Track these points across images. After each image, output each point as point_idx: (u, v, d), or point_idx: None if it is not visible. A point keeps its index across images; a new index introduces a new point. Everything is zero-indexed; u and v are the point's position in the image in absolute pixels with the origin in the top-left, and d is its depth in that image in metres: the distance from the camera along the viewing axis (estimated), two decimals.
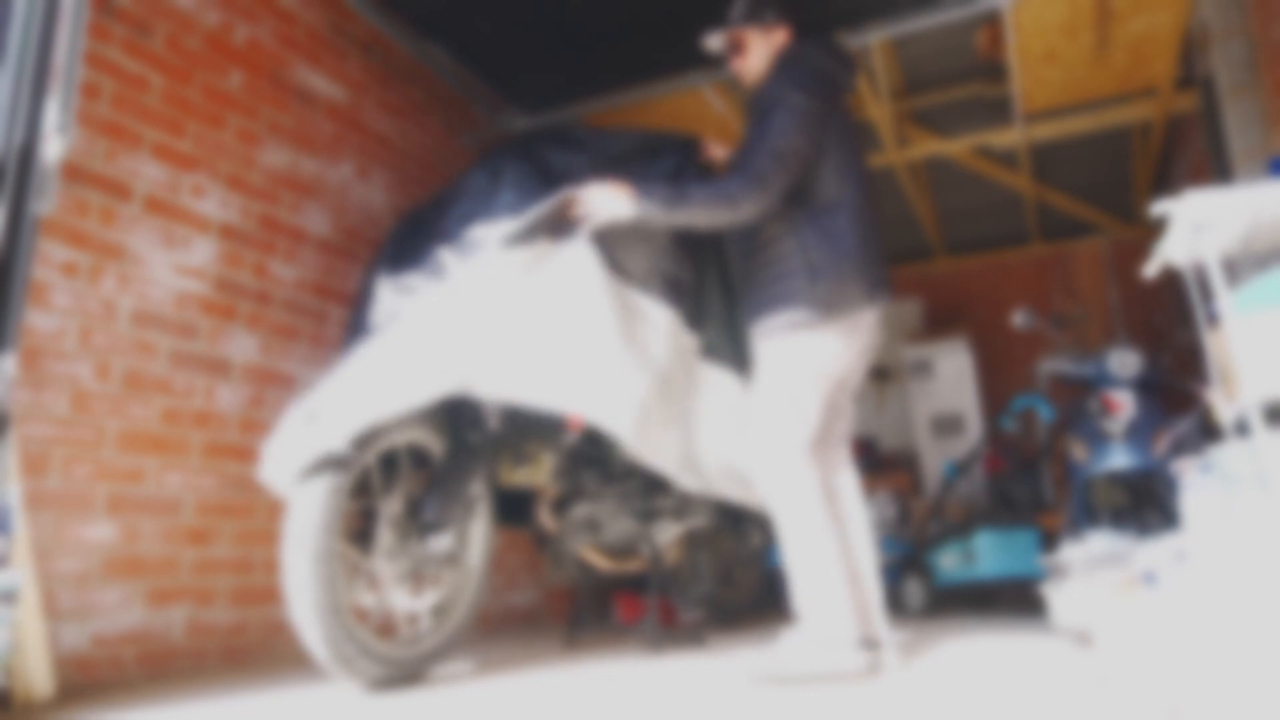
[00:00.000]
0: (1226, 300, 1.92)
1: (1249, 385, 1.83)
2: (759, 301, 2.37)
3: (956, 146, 4.96)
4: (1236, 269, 2.41)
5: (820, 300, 2.26)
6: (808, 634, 2.14)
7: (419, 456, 2.37)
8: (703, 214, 2.25)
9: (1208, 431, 4.09)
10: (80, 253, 2.32)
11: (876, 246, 2.39)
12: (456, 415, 2.27)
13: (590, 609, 4.24)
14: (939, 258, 6.65)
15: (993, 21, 3.90)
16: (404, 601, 2.18)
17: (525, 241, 2.18)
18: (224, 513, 2.64)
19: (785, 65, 2.46)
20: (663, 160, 2.59)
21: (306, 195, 3.08)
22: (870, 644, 2.20)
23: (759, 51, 2.56)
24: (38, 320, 2.20)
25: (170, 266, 2.56)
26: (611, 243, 2.31)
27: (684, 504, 3.12)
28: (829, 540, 2.20)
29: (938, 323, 6.55)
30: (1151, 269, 2.25)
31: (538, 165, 2.40)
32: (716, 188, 2.26)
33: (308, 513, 1.94)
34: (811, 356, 2.31)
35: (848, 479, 2.54)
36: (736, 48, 2.59)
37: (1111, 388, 3.87)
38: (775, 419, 2.29)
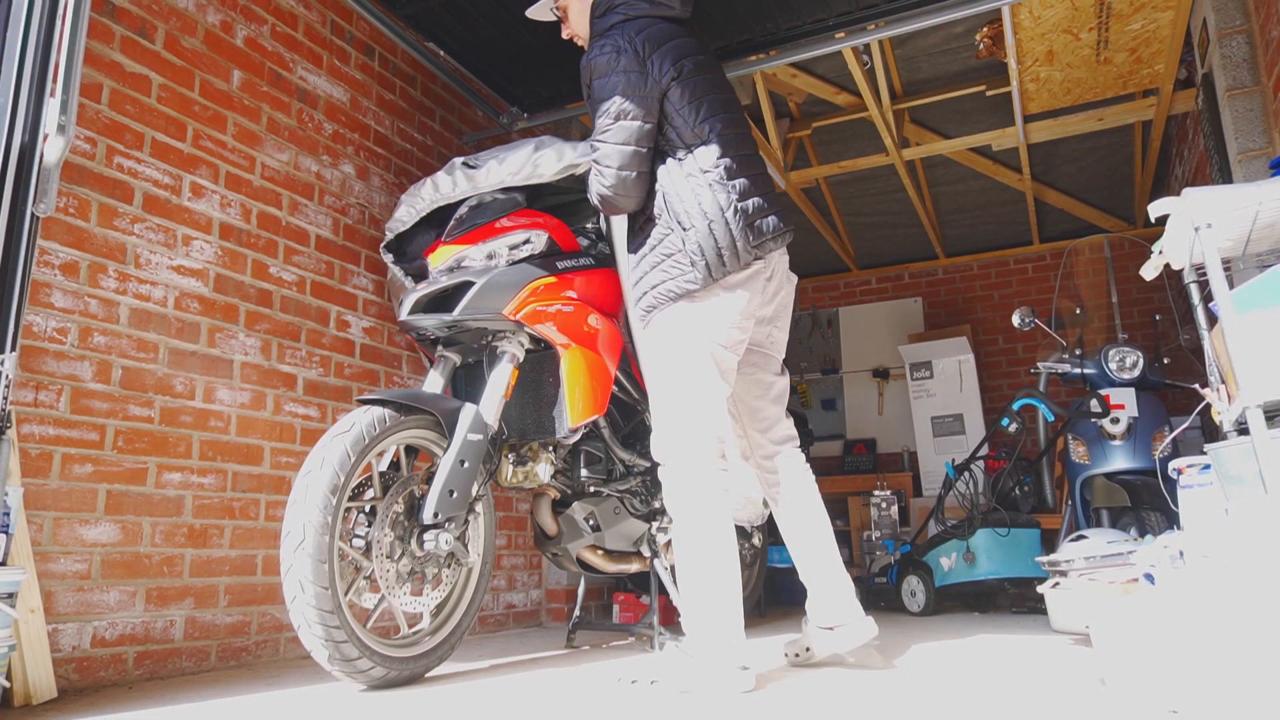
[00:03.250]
0: (1226, 300, 1.92)
1: (1248, 385, 1.83)
2: (639, 281, 2.21)
3: (956, 146, 4.96)
4: (1236, 269, 2.41)
5: (701, 264, 2.07)
6: (691, 652, 1.99)
7: (419, 455, 2.37)
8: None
9: (1208, 431, 4.10)
10: (80, 253, 2.32)
11: (761, 181, 2.19)
12: (457, 414, 2.27)
13: (590, 609, 4.24)
14: (939, 258, 6.65)
15: (993, 21, 3.90)
16: (404, 601, 2.18)
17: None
18: (224, 513, 2.64)
19: (597, 25, 2.26)
20: None
21: (306, 195, 3.08)
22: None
23: (578, 12, 2.34)
24: (38, 320, 2.21)
25: (170, 266, 2.57)
26: None
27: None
28: (724, 558, 2.02)
29: (938, 323, 6.56)
30: (1151, 269, 2.26)
31: None
32: (590, 185, 2.23)
33: (307, 512, 1.95)
34: (700, 328, 2.10)
35: (793, 463, 2.39)
36: (563, 14, 2.41)
37: (1111, 388, 3.87)
38: (671, 414, 2.11)
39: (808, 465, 2.42)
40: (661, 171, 2.17)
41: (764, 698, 1.90)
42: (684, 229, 2.10)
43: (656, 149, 2.19)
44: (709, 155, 2.13)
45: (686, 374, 2.11)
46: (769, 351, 2.37)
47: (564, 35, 2.44)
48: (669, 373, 2.14)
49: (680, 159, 2.15)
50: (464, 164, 2.49)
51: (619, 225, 2.43)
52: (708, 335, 2.11)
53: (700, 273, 2.08)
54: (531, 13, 2.45)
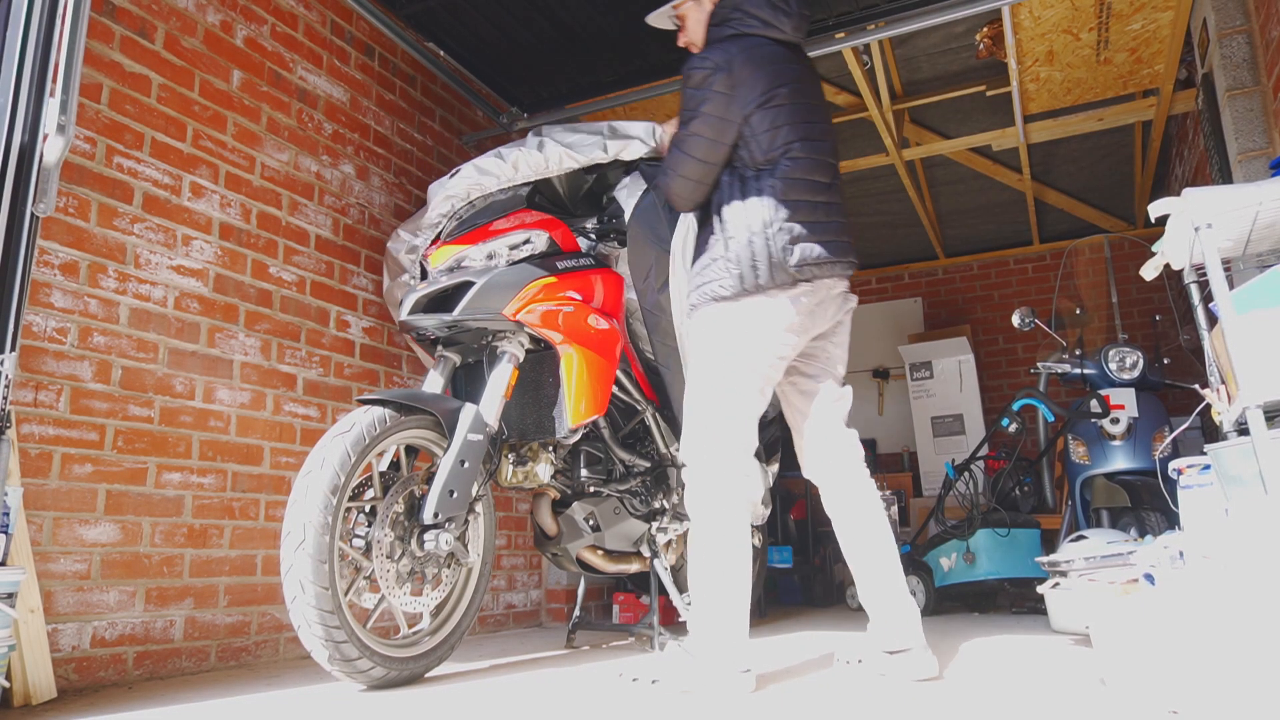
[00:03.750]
0: (1226, 300, 1.92)
1: (1248, 385, 1.83)
2: (691, 280, 2.27)
3: (956, 146, 4.96)
4: (1236, 269, 2.41)
5: (729, 275, 2.13)
6: (693, 652, 2.01)
7: (419, 456, 2.37)
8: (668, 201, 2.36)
9: (1208, 432, 4.10)
10: (80, 253, 2.32)
11: (824, 210, 2.22)
12: (457, 414, 2.27)
13: (590, 609, 4.24)
14: (939, 258, 6.65)
15: (993, 21, 3.90)
16: (404, 601, 2.18)
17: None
18: (224, 513, 2.64)
19: (711, 34, 2.35)
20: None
21: (306, 195, 3.08)
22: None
23: (695, 21, 2.43)
24: (38, 320, 2.21)
25: (170, 266, 2.56)
26: None
27: (684, 503, 3.12)
28: (737, 564, 2.04)
29: (938, 323, 6.56)
30: (1151, 269, 2.25)
31: None
32: (659, 182, 2.35)
33: (308, 512, 1.95)
34: (736, 333, 2.14)
35: (853, 478, 2.28)
36: (680, 25, 2.49)
37: (1111, 388, 3.87)
38: (701, 417, 2.15)
39: (870, 481, 2.30)
40: (723, 182, 2.24)
41: (764, 699, 1.90)
42: (728, 237, 2.17)
43: (726, 161, 2.25)
44: (771, 176, 2.18)
45: (720, 377, 2.15)
46: (826, 366, 2.36)
47: (679, 43, 2.51)
48: (704, 374, 2.18)
49: (743, 175, 2.22)
50: (555, 138, 2.57)
51: (681, 226, 2.45)
52: (745, 341, 2.15)
53: (733, 280, 2.14)
54: (652, 19, 2.55)
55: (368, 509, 2.19)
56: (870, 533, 2.24)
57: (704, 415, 2.15)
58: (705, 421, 2.14)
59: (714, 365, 2.16)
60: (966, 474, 4.28)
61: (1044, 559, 3.13)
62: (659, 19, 2.54)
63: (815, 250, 2.15)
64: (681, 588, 3.21)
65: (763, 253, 2.12)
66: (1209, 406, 2.08)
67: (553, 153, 2.53)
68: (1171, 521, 3.13)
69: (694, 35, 2.44)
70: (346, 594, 2.06)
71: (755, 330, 2.14)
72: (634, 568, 3.11)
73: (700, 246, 2.29)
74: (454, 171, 2.62)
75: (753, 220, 2.14)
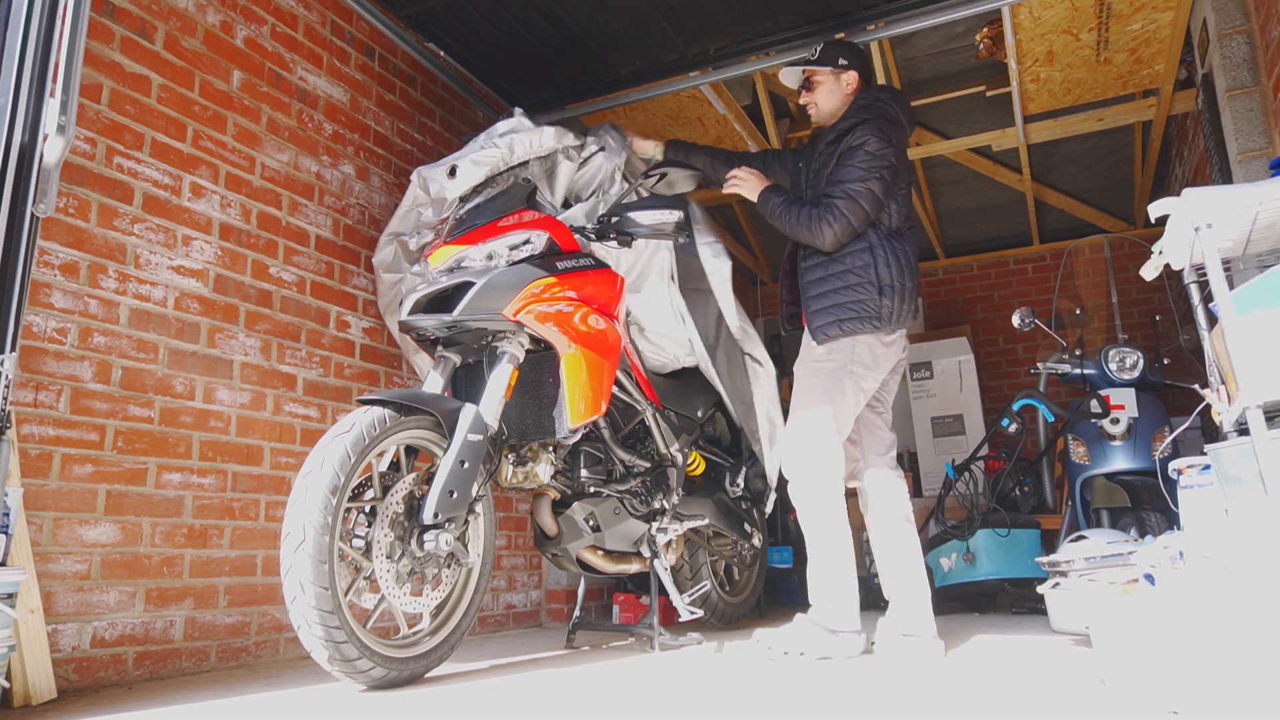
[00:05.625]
0: (1226, 300, 1.92)
1: (1248, 385, 1.83)
2: (823, 306, 2.71)
3: (956, 147, 4.96)
4: (1236, 269, 2.41)
5: (879, 314, 2.62)
6: (814, 620, 2.53)
7: (419, 456, 2.37)
8: (796, 232, 2.72)
9: (1208, 432, 4.10)
10: (80, 253, 2.32)
11: (917, 273, 2.80)
12: (457, 415, 2.27)
13: (590, 609, 4.24)
14: (939, 258, 6.65)
15: (993, 22, 3.90)
16: (404, 602, 2.18)
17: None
18: (224, 513, 2.64)
19: (863, 111, 2.75)
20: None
21: (306, 195, 3.08)
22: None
23: (829, 91, 2.90)
24: (38, 320, 2.21)
25: (170, 267, 2.57)
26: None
27: (684, 504, 3.12)
28: (849, 556, 2.59)
29: (938, 323, 6.55)
30: (1151, 269, 2.25)
31: None
32: (814, 216, 2.66)
33: (307, 513, 1.95)
34: (859, 364, 2.64)
35: (893, 485, 2.80)
36: (809, 85, 2.94)
37: (1111, 388, 3.87)
38: (811, 432, 2.63)
39: (906, 492, 2.84)
40: (876, 236, 2.69)
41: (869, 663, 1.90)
42: (881, 283, 2.64)
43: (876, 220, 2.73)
44: (901, 241, 2.73)
45: (841, 399, 2.63)
46: (884, 396, 2.88)
47: (800, 101, 2.99)
48: (825, 394, 2.64)
49: (884, 234, 2.70)
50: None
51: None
52: (864, 371, 2.66)
53: (875, 321, 2.64)
54: (783, 76, 3.01)
55: (368, 509, 2.18)
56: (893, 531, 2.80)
57: (818, 431, 2.62)
58: (820, 438, 2.61)
59: (842, 389, 2.63)
60: (966, 474, 4.28)
61: (1044, 559, 3.13)
62: (789, 76, 2.99)
63: (916, 304, 2.74)
64: (681, 588, 3.21)
65: (898, 302, 2.64)
66: (1209, 406, 2.08)
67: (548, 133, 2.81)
68: (1171, 521, 3.13)
69: (823, 103, 2.90)
70: (346, 594, 2.06)
71: (875, 364, 2.67)
72: (634, 568, 3.11)
73: (829, 275, 2.71)
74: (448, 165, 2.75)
75: (896, 275, 2.65)
